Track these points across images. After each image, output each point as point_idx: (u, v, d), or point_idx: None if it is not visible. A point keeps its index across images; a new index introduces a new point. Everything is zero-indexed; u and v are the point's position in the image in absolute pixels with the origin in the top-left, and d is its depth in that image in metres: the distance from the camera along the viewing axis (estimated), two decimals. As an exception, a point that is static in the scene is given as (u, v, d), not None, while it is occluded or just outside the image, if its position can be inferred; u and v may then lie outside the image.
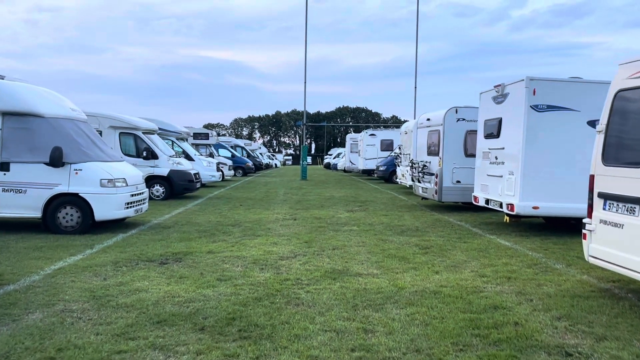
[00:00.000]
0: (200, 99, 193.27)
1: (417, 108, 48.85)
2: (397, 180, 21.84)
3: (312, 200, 16.71)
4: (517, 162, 9.61)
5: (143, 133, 15.67)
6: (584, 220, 5.99)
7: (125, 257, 7.26)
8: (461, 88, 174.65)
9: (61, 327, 4.43)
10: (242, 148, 38.71)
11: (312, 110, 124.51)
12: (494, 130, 10.58)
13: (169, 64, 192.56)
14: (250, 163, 34.76)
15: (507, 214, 10.21)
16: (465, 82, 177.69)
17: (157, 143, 16.20)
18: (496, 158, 10.47)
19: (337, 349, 4.06)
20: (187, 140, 21.93)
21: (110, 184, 9.32)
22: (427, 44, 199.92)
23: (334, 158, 53.52)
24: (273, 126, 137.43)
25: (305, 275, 6.34)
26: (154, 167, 15.60)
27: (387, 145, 29.93)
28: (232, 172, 28.14)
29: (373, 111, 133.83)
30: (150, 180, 15.51)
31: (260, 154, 50.94)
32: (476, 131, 11.82)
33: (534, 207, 9.47)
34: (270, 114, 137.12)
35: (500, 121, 10.39)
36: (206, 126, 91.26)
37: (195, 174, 16.74)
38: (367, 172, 31.05)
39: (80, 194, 9.12)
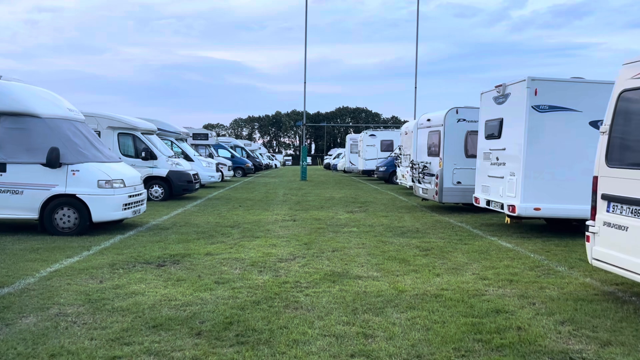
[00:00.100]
0: (200, 99, 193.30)
1: (417, 108, 48.77)
2: (397, 181, 21.76)
3: (311, 201, 16.63)
4: (518, 163, 9.52)
5: (142, 133, 15.58)
6: (588, 223, 5.91)
7: (122, 259, 7.17)
8: (461, 88, 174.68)
9: (55, 332, 4.34)
10: (242, 148, 38.62)
11: (312, 110, 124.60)
12: (495, 131, 10.49)
13: (168, 64, 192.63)
14: (249, 163, 34.66)
15: (508, 215, 10.13)
16: (465, 83, 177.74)
17: (156, 143, 16.11)
18: (497, 159, 10.38)
19: (336, 354, 3.98)
20: (186, 140, 21.85)
21: (108, 184, 9.23)
22: (427, 44, 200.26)
23: (334, 158, 53.43)
24: (273, 126, 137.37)
25: (304, 278, 6.25)
26: (152, 167, 15.51)
27: (387, 146, 29.84)
28: (232, 172, 28.05)
29: (373, 111, 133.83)
30: (149, 181, 15.44)
31: (260, 154, 50.87)
32: (477, 132, 11.74)
33: (536, 209, 9.38)
34: (270, 115, 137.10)
35: (501, 122, 10.30)
36: (206, 126, 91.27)
37: (194, 175, 16.65)
38: (367, 173, 30.95)
39: (77, 195, 9.03)
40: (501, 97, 10.31)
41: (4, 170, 8.87)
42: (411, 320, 4.77)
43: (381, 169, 26.78)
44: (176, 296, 5.42)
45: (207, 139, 27.22)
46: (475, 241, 9.11)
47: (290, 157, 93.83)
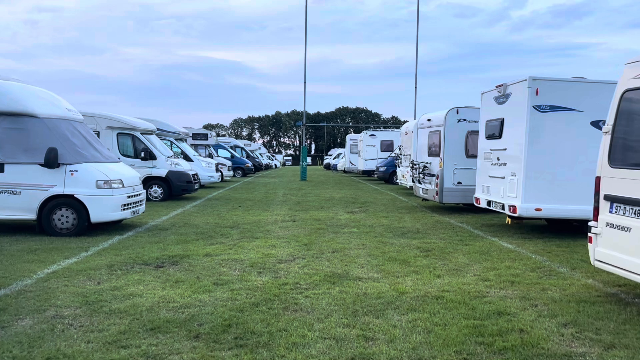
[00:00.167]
0: (200, 100, 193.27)
1: (417, 108, 48.68)
2: (397, 181, 21.70)
3: (311, 201, 16.57)
4: (519, 163, 9.46)
5: (141, 133, 15.53)
6: (590, 224, 5.85)
7: (121, 260, 7.11)
8: (461, 89, 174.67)
9: (51, 335, 4.29)
10: (242, 148, 38.57)
11: (312, 110, 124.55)
12: (496, 131, 10.43)
13: (168, 64, 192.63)
14: (249, 164, 34.60)
15: (509, 216, 10.08)
16: (465, 83, 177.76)
17: (156, 143, 16.06)
18: (498, 159, 10.33)
19: (336, 357, 3.92)
20: (185, 140, 21.79)
21: (107, 185, 9.17)
22: (427, 44, 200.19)
23: (334, 159, 53.38)
24: (273, 127, 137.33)
25: (304, 280, 6.19)
26: (152, 167, 15.45)
27: (387, 146, 29.78)
28: (232, 172, 27.99)
29: (373, 112, 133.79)
30: (148, 181, 15.38)
31: (260, 154, 50.81)
32: (477, 132, 11.68)
33: (537, 209, 9.32)
34: (270, 115, 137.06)
35: (502, 122, 10.24)
36: (206, 127, 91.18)
37: (193, 175, 16.60)
38: (367, 173, 30.89)
39: (75, 196, 8.97)
40: (502, 97, 10.26)
41: (2, 171, 8.80)
42: (412, 322, 4.71)
43: (381, 169, 26.72)
44: (174, 298, 5.36)
45: (207, 139, 27.15)
46: (476, 242, 9.06)
47: (290, 157, 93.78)
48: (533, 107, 9.25)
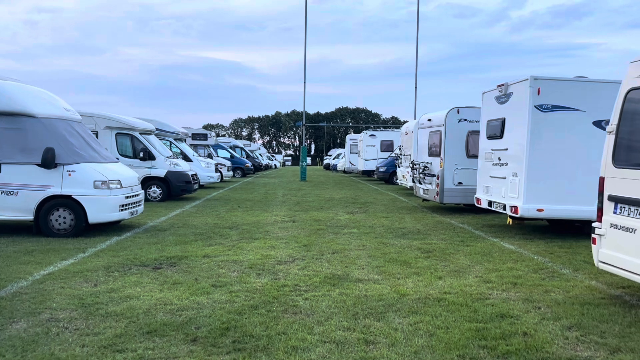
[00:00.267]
0: (200, 100, 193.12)
1: (417, 109, 48.56)
2: (398, 181, 21.62)
3: (311, 201, 16.49)
4: (521, 163, 9.38)
5: (140, 134, 15.44)
6: (594, 224, 5.76)
7: (118, 262, 7.03)
8: (461, 89, 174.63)
9: (45, 338, 4.20)
10: (241, 149, 38.49)
11: (311, 110, 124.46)
12: (497, 131, 10.35)
13: (168, 64, 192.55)
14: (249, 164, 34.52)
15: (511, 217, 10.00)
16: (465, 83, 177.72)
17: (155, 144, 15.97)
18: (499, 159, 10.25)
19: (336, 362, 3.84)
20: (185, 140, 21.71)
21: (104, 185, 9.09)
22: (427, 44, 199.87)
23: (334, 159, 53.31)
24: (272, 127, 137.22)
25: (303, 281, 6.11)
26: (151, 168, 15.37)
27: (387, 146, 29.69)
28: (231, 173, 27.90)
29: (373, 112, 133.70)
30: (147, 182, 15.30)
31: (260, 154, 50.71)
32: (478, 132, 11.60)
33: (539, 210, 9.24)
34: (270, 115, 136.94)
35: (503, 121, 10.16)
36: (205, 127, 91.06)
37: (192, 175, 16.51)
38: (367, 173, 30.79)
39: (73, 196, 8.88)
40: (503, 97, 10.18)
41: (-1, 171, 8.72)
42: (414, 325, 4.63)
43: (381, 170, 26.64)
44: (172, 300, 5.27)
45: (206, 139, 27.07)
46: (477, 243, 8.97)
47: (289, 158, 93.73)
48: (535, 106, 9.17)
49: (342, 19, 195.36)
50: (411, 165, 16.27)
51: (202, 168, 19.95)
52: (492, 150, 10.57)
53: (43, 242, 8.36)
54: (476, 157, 11.69)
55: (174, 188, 15.67)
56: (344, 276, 6.39)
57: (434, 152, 14.15)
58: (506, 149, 10.02)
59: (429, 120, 14.68)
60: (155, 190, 15.57)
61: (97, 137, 14.00)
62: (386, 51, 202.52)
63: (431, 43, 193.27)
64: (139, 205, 10.21)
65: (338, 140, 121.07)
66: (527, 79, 9.24)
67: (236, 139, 71.38)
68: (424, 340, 4.26)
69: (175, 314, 4.83)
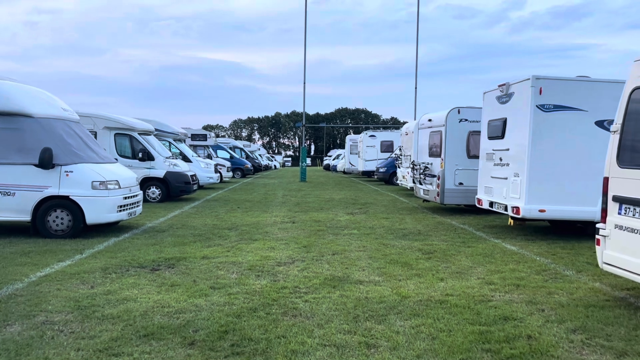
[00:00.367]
0: (200, 101, 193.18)
1: (417, 109, 48.47)
2: (398, 182, 21.53)
3: (311, 202, 16.40)
4: (522, 163, 9.29)
5: (139, 134, 15.36)
6: (598, 226, 5.68)
7: (116, 263, 6.94)
8: (460, 90, 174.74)
9: (40, 342, 4.11)
10: (241, 149, 38.41)
11: (311, 111, 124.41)
12: (499, 131, 10.27)
13: (168, 65, 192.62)
14: (248, 164, 34.44)
15: (512, 217, 9.91)
16: (465, 84, 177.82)
17: (154, 144, 15.88)
18: (500, 159, 10.16)
19: (337, 366, 3.75)
20: (184, 141, 21.62)
21: (102, 186, 9.00)
22: (426, 45, 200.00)
23: (334, 159, 53.21)
24: (272, 127, 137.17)
25: (303, 283, 6.02)
26: (150, 168, 15.28)
27: (387, 147, 29.59)
28: (231, 173, 27.82)
29: (372, 112, 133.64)
30: (146, 182, 15.21)
31: (260, 155, 50.63)
32: (479, 132, 11.52)
33: (541, 210, 9.15)
34: (270, 116, 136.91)
35: (504, 121, 10.08)
36: (205, 127, 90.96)
37: (192, 176, 16.42)
38: (367, 174, 30.70)
39: (71, 197, 8.79)
40: (505, 97, 10.09)
41: (-4, 171, 8.63)
42: (416, 328, 4.54)
43: (381, 170, 26.55)
44: (170, 302, 5.18)
45: (206, 140, 26.98)
46: (478, 244, 8.89)
47: (289, 158, 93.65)
48: (536, 106, 9.09)
49: (341, 20, 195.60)
50: (411, 165, 16.18)
51: (202, 169, 19.87)
52: (493, 150, 10.48)
53: (40, 243, 8.28)
54: (477, 157, 11.61)
55: (173, 189, 15.59)
56: (344, 278, 6.31)
57: (434, 152, 14.06)
58: (507, 149, 9.93)
59: (430, 120, 14.60)
60: (154, 191, 15.48)
61: (95, 137, 13.92)
62: (386, 52, 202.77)
63: (431, 44, 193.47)
64: (137, 206, 10.13)
65: (338, 141, 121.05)
66: (529, 79, 9.16)
67: (236, 139, 71.30)
68: (427, 344, 4.18)
69: (172, 317, 4.75)
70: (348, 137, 38.74)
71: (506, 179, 9.85)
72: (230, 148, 35.36)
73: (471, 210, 13.63)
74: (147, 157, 15.13)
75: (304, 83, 31.50)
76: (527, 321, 4.77)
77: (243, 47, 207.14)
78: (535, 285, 6.08)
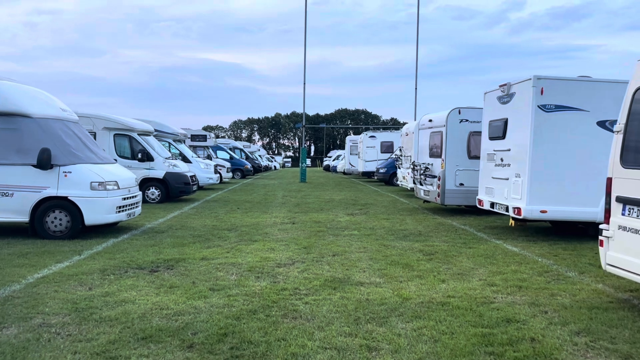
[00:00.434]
0: (200, 101, 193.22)
1: (417, 110, 48.44)
2: (398, 182, 21.47)
3: (311, 203, 16.34)
4: (524, 164, 9.24)
5: (138, 134, 15.30)
6: (601, 226, 5.62)
7: (114, 265, 6.88)
8: (460, 90, 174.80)
9: (36, 345, 4.05)
10: (241, 150, 38.36)
11: (311, 112, 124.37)
12: (500, 132, 10.21)
13: (168, 66, 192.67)
14: (248, 165, 34.39)
15: (514, 218, 9.85)
16: (465, 85, 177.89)
17: (153, 145, 15.82)
18: (502, 160, 10.11)
19: (338, 369, 3.69)
20: (184, 142, 21.57)
21: (101, 186, 8.94)
22: (426, 46, 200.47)
23: (334, 160, 53.13)
24: (272, 128, 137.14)
25: (303, 285, 5.96)
26: (149, 169, 15.22)
27: (387, 147, 29.54)
28: (230, 174, 27.77)
29: (372, 113, 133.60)
30: (146, 183, 15.16)
31: (259, 156, 50.58)
32: (480, 132, 11.46)
33: (542, 211, 9.10)
34: (270, 116, 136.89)
35: (506, 122, 10.02)
36: (205, 128, 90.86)
37: (191, 177, 16.37)
38: (367, 175, 30.64)
39: (69, 198, 8.73)
40: (506, 97, 10.04)
41: (-6, 172, 8.57)
42: (417, 330, 4.48)
43: (381, 171, 26.49)
44: (168, 304, 5.12)
45: (206, 141, 26.93)
46: (480, 245, 8.83)
47: (289, 159, 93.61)
48: (538, 106, 9.03)
49: (341, 21, 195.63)
50: (412, 166, 16.13)
51: (201, 169, 19.81)
52: (494, 151, 10.43)
53: (38, 245, 8.22)
54: (478, 158, 11.55)
55: (172, 189, 15.53)
56: (345, 279, 6.25)
57: (435, 153, 14.01)
58: (509, 150, 9.88)
59: (430, 120, 14.55)
60: (153, 192, 15.42)
61: (95, 138, 13.87)
62: (386, 53, 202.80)
63: (430, 45, 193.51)
64: (136, 206, 10.06)
65: (338, 142, 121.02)
66: (530, 79, 9.10)
67: (236, 140, 71.23)
68: (429, 347, 4.12)
69: (171, 319, 4.69)
70: (348, 138, 38.68)
71: (507, 179, 9.80)
72: (230, 149, 35.32)
73: (472, 211, 13.57)
74: (147, 157, 15.07)
75: (304, 84, 31.48)
76: (530, 323, 4.72)
77: (243, 48, 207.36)
78: (538, 287, 6.02)
